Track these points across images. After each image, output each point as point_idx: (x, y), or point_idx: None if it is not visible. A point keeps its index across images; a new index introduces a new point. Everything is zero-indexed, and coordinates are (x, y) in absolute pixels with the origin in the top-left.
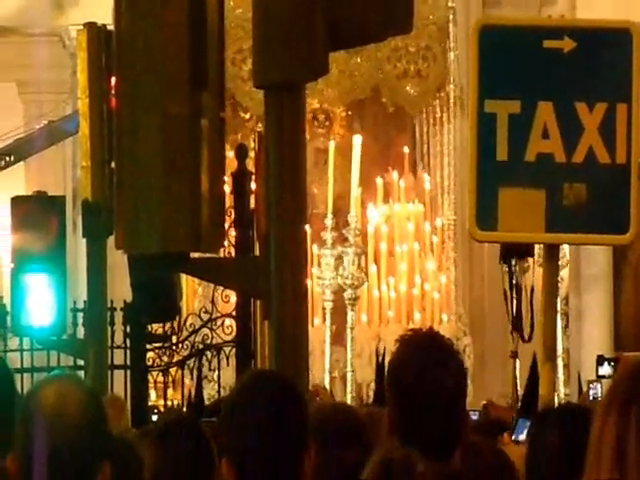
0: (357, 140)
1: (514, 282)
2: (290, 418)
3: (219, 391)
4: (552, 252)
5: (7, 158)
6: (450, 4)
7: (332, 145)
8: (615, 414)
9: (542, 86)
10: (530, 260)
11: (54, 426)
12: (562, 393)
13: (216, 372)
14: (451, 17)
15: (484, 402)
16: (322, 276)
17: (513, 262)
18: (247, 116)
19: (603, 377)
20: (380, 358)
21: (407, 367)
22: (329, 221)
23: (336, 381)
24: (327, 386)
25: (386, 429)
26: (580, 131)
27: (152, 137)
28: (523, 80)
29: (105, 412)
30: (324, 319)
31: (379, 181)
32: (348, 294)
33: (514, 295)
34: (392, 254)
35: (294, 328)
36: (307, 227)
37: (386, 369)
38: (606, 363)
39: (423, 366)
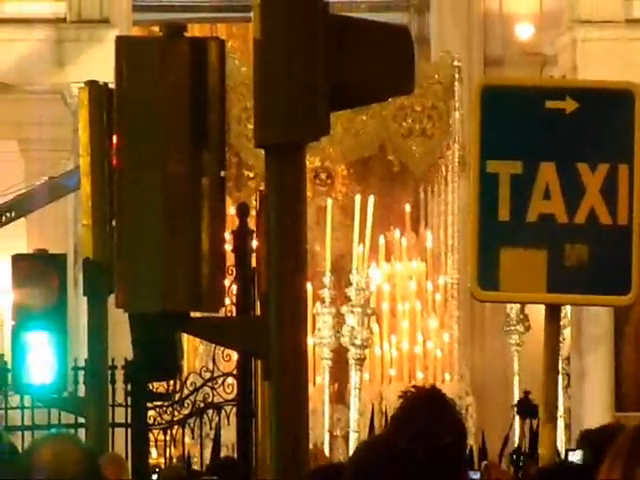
0: (371, 200)
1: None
2: None
3: (219, 450)
4: (553, 313)
5: (8, 214)
6: (455, 63)
7: (330, 203)
8: (618, 474)
9: (544, 147)
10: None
11: None
12: (563, 453)
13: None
14: (456, 76)
15: (485, 462)
16: (320, 335)
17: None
18: (251, 174)
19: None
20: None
21: (408, 423)
22: (327, 279)
23: (337, 440)
24: (326, 445)
25: None
26: (582, 192)
27: (152, 196)
28: (525, 140)
29: (101, 472)
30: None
31: (381, 240)
32: (354, 354)
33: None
34: (394, 313)
35: (294, 388)
36: (309, 285)
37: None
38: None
39: (423, 423)
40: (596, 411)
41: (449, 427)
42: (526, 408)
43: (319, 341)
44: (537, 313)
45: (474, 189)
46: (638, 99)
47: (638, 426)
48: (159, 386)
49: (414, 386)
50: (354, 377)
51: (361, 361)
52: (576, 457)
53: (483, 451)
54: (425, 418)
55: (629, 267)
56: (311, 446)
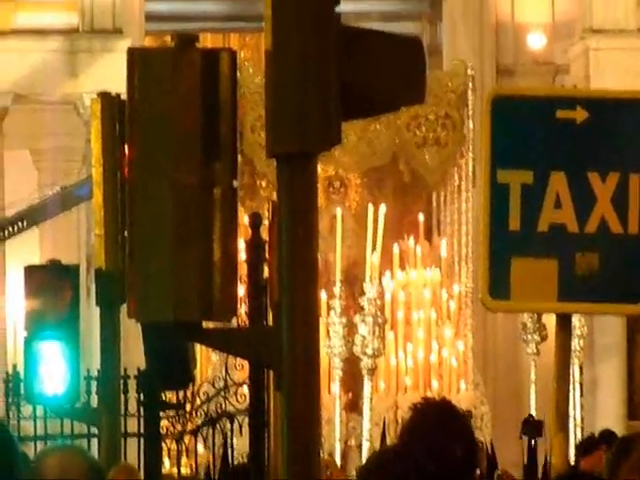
0: (382, 209)
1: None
2: None
3: (232, 459)
4: (565, 322)
5: (20, 224)
6: (469, 72)
7: (339, 212)
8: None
9: (555, 156)
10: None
11: None
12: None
13: (230, 440)
14: (470, 85)
15: (498, 472)
16: (330, 344)
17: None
18: (264, 183)
19: None
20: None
21: (418, 435)
22: (337, 289)
23: (351, 449)
24: (339, 454)
25: None
26: (593, 201)
27: (163, 206)
28: (536, 150)
29: None
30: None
31: (395, 248)
32: (366, 364)
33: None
34: (409, 322)
35: (306, 398)
36: (323, 294)
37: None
38: None
39: (434, 435)
40: (609, 420)
41: (460, 439)
42: (530, 428)
43: (330, 350)
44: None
45: (485, 199)
46: None
47: None
48: (172, 396)
49: (424, 398)
50: (366, 386)
51: (373, 370)
52: None
53: (492, 460)
54: (435, 430)
55: None
56: (325, 455)
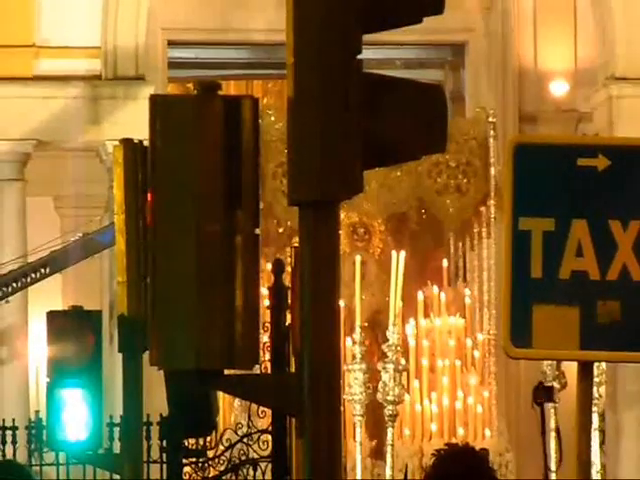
0: (402, 255)
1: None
2: None
3: None
4: (586, 370)
5: (43, 270)
6: (491, 119)
7: (359, 259)
8: None
9: (576, 204)
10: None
11: None
12: None
13: None
14: (492, 132)
15: None
16: (351, 391)
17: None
18: (282, 229)
19: None
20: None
21: None
22: (357, 335)
23: None
24: None
25: None
26: (614, 249)
27: (186, 254)
28: (557, 198)
29: None
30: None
31: (420, 295)
32: (387, 410)
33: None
34: (433, 369)
35: (327, 445)
36: (349, 340)
37: None
38: None
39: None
40: (632, 468)
41: None
42: (542, 394)
43: (350, 398)
44: (573, 370)
45: (507, 246)
46: None
47: None
48: (194, 442)
49: (447, 444)
50: (389, 433)
51: (395, 417)
52: None
53: None
54: (459, 477)
55: None
56: None
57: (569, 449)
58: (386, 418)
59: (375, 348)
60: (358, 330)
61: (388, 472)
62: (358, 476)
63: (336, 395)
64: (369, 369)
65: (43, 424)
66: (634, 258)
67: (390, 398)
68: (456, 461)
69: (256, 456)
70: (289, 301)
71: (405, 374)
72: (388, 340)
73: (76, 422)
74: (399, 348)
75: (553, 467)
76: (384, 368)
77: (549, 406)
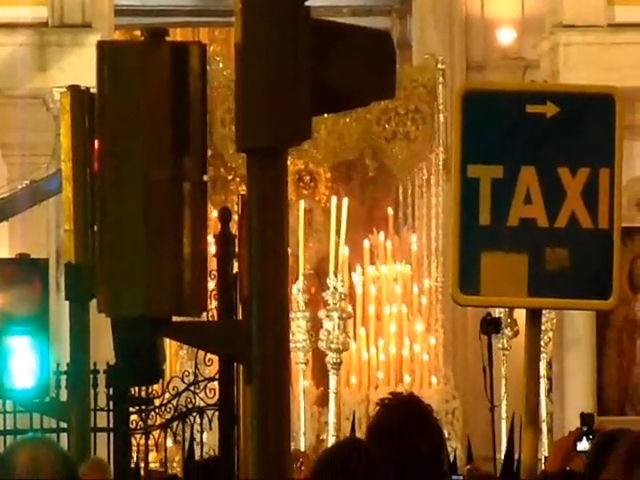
0: (344, 202)
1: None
2: None
3: (202, 454)
4: (534, 317)
5: None
6: (440, 66)
7: (302, 205)
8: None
9: (525, 151)
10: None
11: None
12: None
13: (199, 435)
14: (440, 79)
15: (468, 467)
16: (294, 339)
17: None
18: (232, 176)
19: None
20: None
21: (385, 431)
22: (300, 283)
23: (324, 444)
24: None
25: None
26: (563, 196)
27: (134, 201)
28: (506, 145)
29: (78, 476)
30: (310, 381)
31: (366, 243)
32: (331, 358)
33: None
34: (380, 317)
35: (276, 392)
36: (294, 287)
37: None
38: (584, 438)
39: (400, 431)
40: (578, 415)
41: (427, 436)
42: (488, 325)
43: (293, 345)
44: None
45: (455, 193)
46: (619, 103)
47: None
48: (141, 390)
49: (392, 393)
50: (332, 381)
51: (338, 365)
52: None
53: (469, 456)
54: (402, 427)
55: (610, 271)
56: (302, 448)
57: (516, 392)
58: (329, 366)
59: (321, 296)
60: (301, 278)
61: (332, 419)
62: (302, 423)
63: (284, 342)
64: (314, 317)
65: None
66: (582, 205)
67: (334, 346)
68: (399, 410)
69: (203, 404)
70: (236, 249)
71: (350, 322)
72: (328, 288)
73: (23, 370)
74: (343, 296)
75: (497, 402)
76: (328, 316)
77: (495, 337)
